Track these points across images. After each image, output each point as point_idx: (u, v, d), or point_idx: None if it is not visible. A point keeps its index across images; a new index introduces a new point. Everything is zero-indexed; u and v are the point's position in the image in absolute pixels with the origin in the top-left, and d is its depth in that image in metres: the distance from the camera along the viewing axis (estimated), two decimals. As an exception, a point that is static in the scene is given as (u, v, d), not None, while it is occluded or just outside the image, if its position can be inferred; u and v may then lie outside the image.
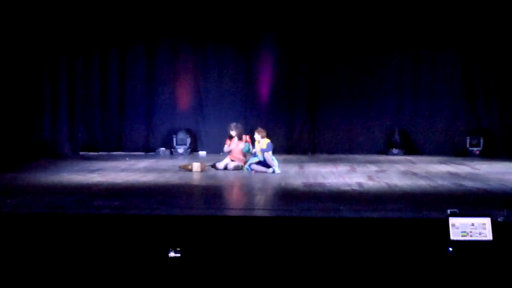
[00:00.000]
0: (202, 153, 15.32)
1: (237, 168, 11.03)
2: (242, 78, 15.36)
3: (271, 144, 10.80)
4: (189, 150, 15.16)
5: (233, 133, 11.29)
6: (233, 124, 11.40)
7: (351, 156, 14.30)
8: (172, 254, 5.26)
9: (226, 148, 11.32)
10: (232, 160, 11.19)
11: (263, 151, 10.66)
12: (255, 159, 10.84)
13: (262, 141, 10.80)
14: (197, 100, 15.50)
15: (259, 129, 11.04)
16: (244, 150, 11.10)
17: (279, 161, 10.98)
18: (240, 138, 11.25)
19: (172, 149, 15.18)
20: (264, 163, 10.67)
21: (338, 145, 15.25)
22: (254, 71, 15.27)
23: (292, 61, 15.16)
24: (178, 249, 5.29)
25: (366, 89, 15.08)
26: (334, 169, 11.28)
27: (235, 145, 11.21)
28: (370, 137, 15.17)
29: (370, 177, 9.87)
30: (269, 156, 10.62)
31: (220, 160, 11.35)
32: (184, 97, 15.49)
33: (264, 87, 15.29)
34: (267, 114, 15.24)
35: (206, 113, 15.48)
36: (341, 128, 15.22)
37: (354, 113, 15.13)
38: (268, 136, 11.03)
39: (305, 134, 15.35)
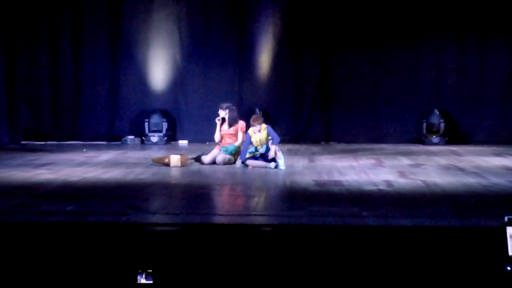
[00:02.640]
0: (183, 142, 15.31)
1: (228, 162, 11.00)
2: (235, 45, 15.34)
3: (272, 129, 10.78)
4: (165, 138, 15.14)
5: (222, 113, 11.25)
6: (225, 104, 11.37)
7: (376, 146, 14.32)
8: (142, 281, 5.19)
9: (217, 135, 11.28)
10: (222, 152, 11.20)
11: (274, 142, 10.60)
12: (253, 153, 10.80)
13: (262, 129, 10.76)
14: (176, 73, 15.49)
15: (255, 116, 11.04)
16: (229, 152, 11.05)
17: (282, 153, 10.95)
18: (232, 125, 11.21)
19: (144, 138, 15.17)
20: (264, 157, 10.62)
21: (359, 131, 15.29)
22: (250, 36, 15.24)
23: (301, 25, 15.11)
24: (151, 271, 5.25)
25: (396, 63, 15.09)
26: (354, 163, 11.28)
27: (227, 133, 11.19)
28: (401, 121, 15.20)
29: (401, 173, 9.87)
30: (277, 148, 10.60)
31: (206, 152, 11.32)
32: (160, 69, 15.45)
33: (264, 57, 15.25)
34: (267, 92, 15.24)
35: (188, 90, 15.46)
36: (364, 110, 15.25)
37: (381, 91, 15.16)
38: (267, 122, 11.00)
39: (317, 117, 15.38)
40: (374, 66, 15.17)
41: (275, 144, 10.60)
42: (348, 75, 15.20)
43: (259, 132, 10.76)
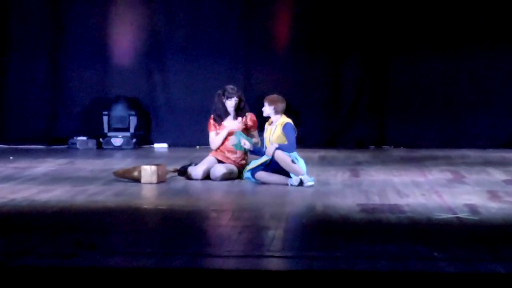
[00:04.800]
0: (161, 146, 15.37)
1: (229, 176, 11.04)
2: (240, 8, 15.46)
3: (292, 128, 10.75)
4: (134, 140, 15.21)
5: (228, 103, 11.26)
6: (229, 87, 11.36)
7: (454, 153, 14.45)
8: None
9: (212, 138, 11.27)
10: (221, 162, 11.23)
11: (284, 150, 10.63)
12: (263, 159, 10.84)
13: (275, 121, 10.77)
14: (152, 44, 15.57)
15: (271, 96, 10.98)
16: (236, 148, 11.06)
17: (308, 163, 10.98)
18: (239, 116, 11.24)
19: (102, 139, 15.23)
20: (279, 167, 10.66)
21: (427, 131, 15.42)
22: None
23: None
24: None
25: (479, 38, 15.24)
26: (420, 178, 11.36)
27: (228, 132, 11.24)
28: (491, 116, 15.29)
29: (492, 194, 9.90)
30: (285, 156, 10.56)
31: (196, 161, 11.36)
32: (126, 37, 15.53)
33: (282, 19, 15.34)
34: (288, 76, 15.32)
35: (169, 70, 15.55)
36: (435, 101, 15.51)
37: (458, 76, 15.21)
38: (288, 113, 11.01)
39: (362, 111, 15.41)
40: (450, 46, 15.32)
41: (289, 152, 10.58)
42: (411, 45, 15.30)
43: (271, 126, 10.74)
